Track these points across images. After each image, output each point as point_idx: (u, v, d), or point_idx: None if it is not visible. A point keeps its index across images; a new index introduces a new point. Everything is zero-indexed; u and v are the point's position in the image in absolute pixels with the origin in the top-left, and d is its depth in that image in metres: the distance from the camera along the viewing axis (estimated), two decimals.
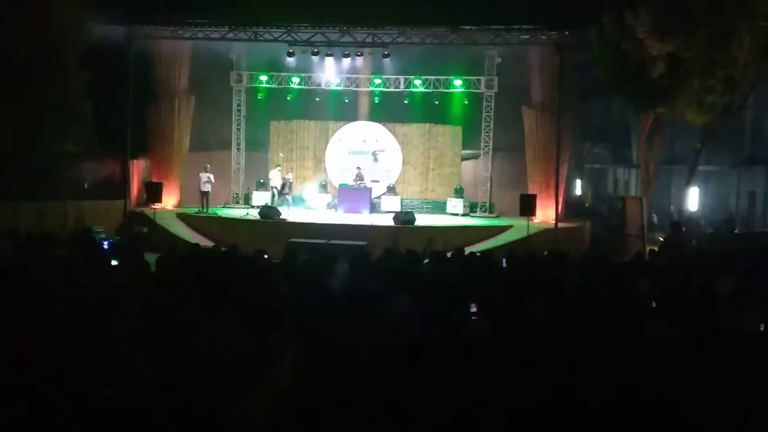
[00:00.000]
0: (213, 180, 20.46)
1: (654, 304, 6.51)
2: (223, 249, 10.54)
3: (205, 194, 20.34)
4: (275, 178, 20.98)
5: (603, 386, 3.52)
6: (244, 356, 0.84)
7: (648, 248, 15.90)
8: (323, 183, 22.64)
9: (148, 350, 0.87)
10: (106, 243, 14.08)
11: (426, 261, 9.39)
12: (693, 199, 22.34)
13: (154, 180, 20.69)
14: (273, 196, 20.94)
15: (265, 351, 0.86)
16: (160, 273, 7.23)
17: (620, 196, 24.81)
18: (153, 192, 19.31)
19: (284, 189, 20.62)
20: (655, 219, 20.26)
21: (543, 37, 19.67)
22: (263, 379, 0.87)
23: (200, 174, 20.38)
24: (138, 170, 21.67)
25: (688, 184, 21.43)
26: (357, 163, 22.05)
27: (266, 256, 9.66)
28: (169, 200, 21.08)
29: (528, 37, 19.95)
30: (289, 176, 21.08)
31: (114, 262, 8.58)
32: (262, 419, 0.89)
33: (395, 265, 8.33)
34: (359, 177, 21.43)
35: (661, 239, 16.57)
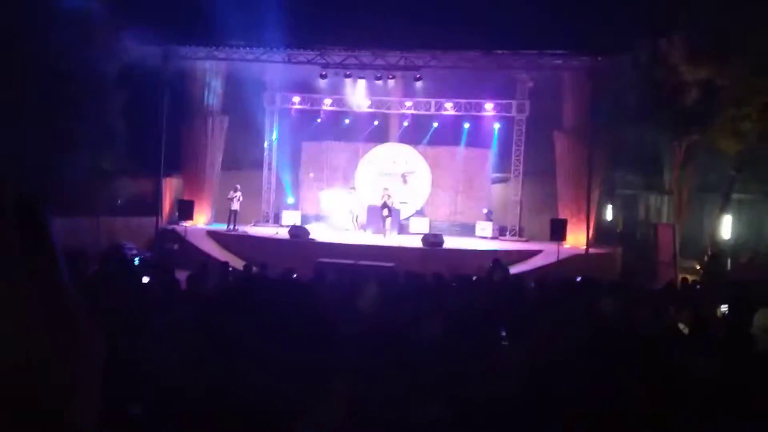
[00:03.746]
0: (241, 199, 20.72)
1: (687, 333, 6.40)
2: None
3: (234, 213, 20.58)
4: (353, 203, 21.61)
5: (631, 415, 3.45)
6: (300, 389, 0.83)
7: (680, 276, 15.66)
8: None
9: (195, 370, 0.86)
10: (137, 259, 14.26)
11: (454, 284, 9.35)
12: (726, 228, 21.99)
13: (186, 198, 20.93)
14: (354, 220, 21.44)
15: (321, 383, 0.85)
16: (192, 290, 7.27)
17: (652, 222, 24.50)
18: (185, 210, 19.53)
19: (383, 212, 20.42)
20: (709, 251, 19.67)
21: (575, 62, 19.63)
22: (319, 410, 0.85)
23: (231, 193, 20.65)
24: (170, 188, 21.96)
25: (722, 212, 21.09)
26: (385, 185, 22.06)
27: (295, 276, 9.70)
28: (201, 218, 21.30)
29: (560, 62, 19.91)
30: (387, 197, 20.78)
31: (145, 279, 8.67)
32: None
33: (424, 288, 8.29)
34: (387, 197, 21.43)
35: (698, 267, 16.33)
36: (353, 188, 22.26)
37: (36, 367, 0.54)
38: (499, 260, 13.40)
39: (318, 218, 22.67)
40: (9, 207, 0.58)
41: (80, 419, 0.57)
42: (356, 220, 21.54)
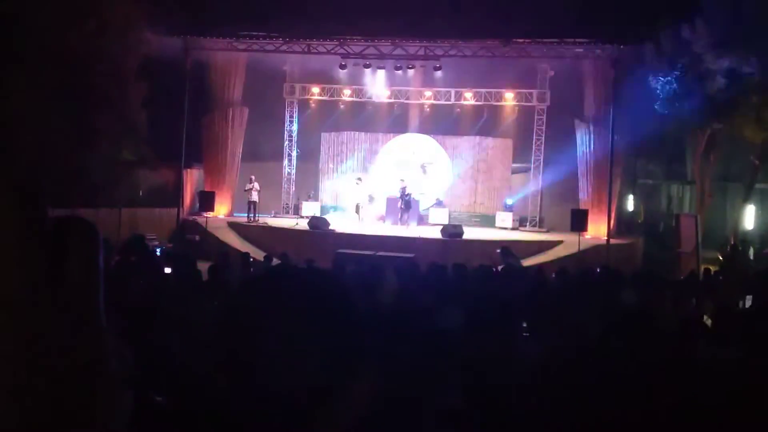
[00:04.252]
0: (259, 188, 20.73)
1: (709, 325, 6.35)
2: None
3: (253, 204, 20.64)
4: (357, 192, 21.44)
5: (657, 410, 3.43)
6: (323, 379, 0.83)
7: (702, 267, 15.53)
8: (372, 195, 22.70)
9: (221, 360, 0.86)
10: (158, 250, 14.38)
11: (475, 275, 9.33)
12: (749, 218, 21.76)
13: (207, 189, 21.03)
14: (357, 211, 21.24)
15: (346, 373, 0.85)
16: (213, 281, 7.32)
17: (674, 213, 24.31)
18: (206, 201, 19.62)
19: (402, 203, 20.25)
20: (731, 241, 19.43)
21: (597, 50, 19.46)
22: (341, 403, 0.85)
23: (246, 185, 20.71)
24: (191, 179, 22.08)
25: (745, 201, 20.87)
26: (404, 176, 21.94)
27: (315, 266, 9.73)
28: (221, 209, 21.40)
29: (582, 50, 19.75)
30: (403, 188, 20.70)
31: (167, 270, 8.74)
32: None
33: (444, 279, 8.29)
34: (404, 189, 21.31)
35: (720, 258, 16.17)
36: (359, 179, 22.13)
37: (59, 376, 0.54)
38: (507, 247, 13.23)
39: (335, 208, 22.69)
40: (43, 221, 0.58)
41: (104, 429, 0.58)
42: (359, 211, 21.41)
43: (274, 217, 22.04)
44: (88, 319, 0.58)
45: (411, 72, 21.50)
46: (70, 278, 0.56)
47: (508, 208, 21.75)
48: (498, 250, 13.13)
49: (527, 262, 15.87)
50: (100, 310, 0.59)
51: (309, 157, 23.39)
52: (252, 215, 20.59)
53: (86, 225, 0.60)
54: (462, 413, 2.48)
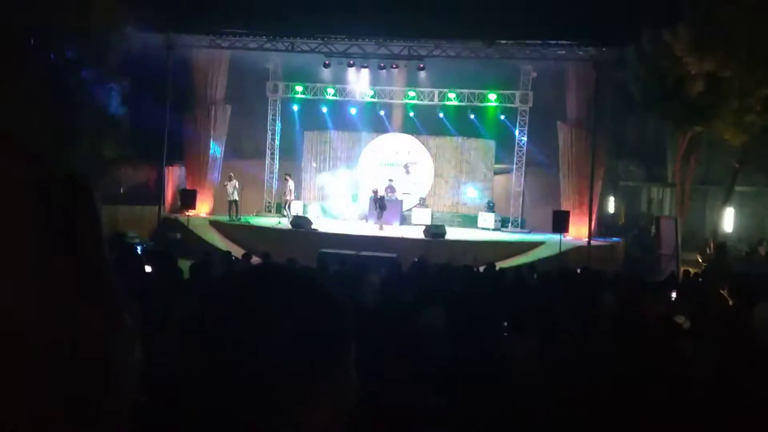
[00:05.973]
0: (238, 187, 20.60)
1: (688, 325, 6.41)
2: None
3: (233, 203, 20.51)
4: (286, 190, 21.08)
5: (640, 409, 3.47)
6: (306, 376, 0.83)
7: (682, 268, 15.66)
8: (355, 194, 22.68)
9: (198, 353, 0.85)
10: (139, 248, 14.27)
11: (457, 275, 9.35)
12: (728, 220, 21.96)
13: (189, 187, 20.90)
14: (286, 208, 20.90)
15: (329, 371, 0.84)
16: (195, 280, 7.29)
17: (654, 215, 24.49)
18: (187, 199, 19.50)
19: (377, 205, 19.97)
20: (711, 244, 19.54)
21: (580, 52, 19.56)
22: (323, 400, 0.85)
23: (226, 184, 20.59)
24: (173, 177, 21.95)
25: (724, 204, 21.06)
26: (389, 175, 22.03)
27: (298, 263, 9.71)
28: (203, 207, 21.28)
29: (565, 52, 19.84)
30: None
31: (148, 268, 8.66)
32: None
33: (426, 278, 8.31)
34: (391, 189, 21.35)
35: (699, 259, 16.32)
36: (288, 175, 21.75)
37: (71, 348, 0.54)
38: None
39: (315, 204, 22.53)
40: (58, 185, 0.58)
41: (113, 407, 0.58)
42: (288, 208, 21.00)
43: (256, 215, 21.97)
44: (102, 274, 0.59)
45: (395, 71, 21.50)
46: (81, 236, 0.57)
47: (490, 207, 21.74)
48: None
49: (508, 263, 15.92)
50: (109, 264, 0.60)
51: (292, 155, 23.31)
52: (234, 215, 20.49)
53: (86, 179, 0.61)
54: (445, 411, 2.49)
